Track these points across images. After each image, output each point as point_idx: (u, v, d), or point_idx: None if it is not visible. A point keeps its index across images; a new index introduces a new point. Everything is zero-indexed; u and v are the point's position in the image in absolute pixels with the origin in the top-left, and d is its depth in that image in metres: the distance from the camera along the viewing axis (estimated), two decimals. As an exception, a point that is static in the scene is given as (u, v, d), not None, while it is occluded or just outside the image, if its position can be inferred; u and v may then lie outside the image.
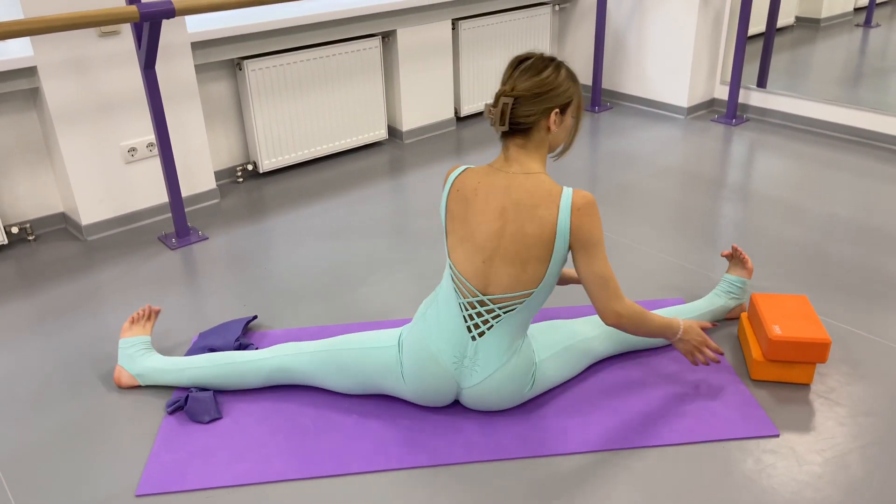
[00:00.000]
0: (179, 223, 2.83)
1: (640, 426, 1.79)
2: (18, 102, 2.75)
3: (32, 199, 2.90)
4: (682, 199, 3.06)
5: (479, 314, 1.72)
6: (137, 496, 1.64)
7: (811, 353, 1.86)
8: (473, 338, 1.73)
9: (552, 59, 1.69)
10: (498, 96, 1.66)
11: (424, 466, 1.70)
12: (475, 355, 1.73)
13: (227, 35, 3.03)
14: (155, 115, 2.64)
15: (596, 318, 2.00)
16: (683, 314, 2.10)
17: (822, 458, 1.69)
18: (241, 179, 3.42)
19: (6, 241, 2.79)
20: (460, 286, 1.72)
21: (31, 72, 2.62)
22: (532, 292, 1.70)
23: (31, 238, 2.89)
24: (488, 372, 1.74)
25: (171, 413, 1.88)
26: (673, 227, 2.82)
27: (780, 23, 4.45)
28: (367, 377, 1.84)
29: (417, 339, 1.76)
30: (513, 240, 1.67)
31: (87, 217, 2.87)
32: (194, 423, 1.85)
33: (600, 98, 4.28)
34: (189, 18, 3.07)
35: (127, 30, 2.73)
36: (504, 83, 1.67)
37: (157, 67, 2.75)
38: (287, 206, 3.14)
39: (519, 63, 1.68)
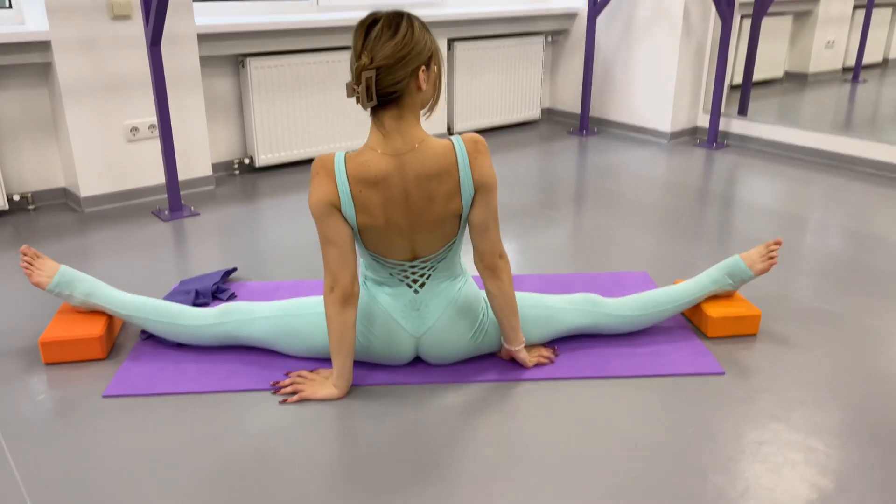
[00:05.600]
0: (173, 198, 2.96)
1: (592, 361, 1.87)
2: (30, 77, 2.93)
3: (36, 171, 3.05)
4: (667, 203, 3.19)
5: (413, 272, 1.77)
6: (104, 397, 1.72)
7: (745, 326, 2.03)
8: (416, 291, 1.78)
9: (401, 14, 1.56)
10: (358, 71, 1.52)
11: (379, 385, 1.77)
12: (423, 304, 1.78)
13: (232, 31, 3.23)
14: (157, 93, 2.81)
15: (568, 296, 1.99)
16: (683, 291, 2.03)
17: (763, 390, 1.76)
18: (237, 172, 3.57)
19: (6, 207, 2.92)
20: (387, 264, 1.75)
21: (45, 46, 2.81)
22: (455, 240, 1.76)
23: (31, 208, 3.02)
24: (438, 313, 1.78)
25: (146, 339, 1.97)
26: (659, 226, 2.93)
27: (769, 75, 4.67)
28: (320, 342, 1.84)
29: (367, 304, 1.80)
30: (426, 210, 1.66)
31: (86, 189, 3.01)
32: (166, 346, 1.93)
33: (588, 123, 4.46)
34: (197, 11, 3.27)
35: (138, 15, 2.93)
36: (359, 55, 1.53)
37: (163, 56, 2.93)
38: (279, 194, 3.27)
39: (368, 28, 1.54)
